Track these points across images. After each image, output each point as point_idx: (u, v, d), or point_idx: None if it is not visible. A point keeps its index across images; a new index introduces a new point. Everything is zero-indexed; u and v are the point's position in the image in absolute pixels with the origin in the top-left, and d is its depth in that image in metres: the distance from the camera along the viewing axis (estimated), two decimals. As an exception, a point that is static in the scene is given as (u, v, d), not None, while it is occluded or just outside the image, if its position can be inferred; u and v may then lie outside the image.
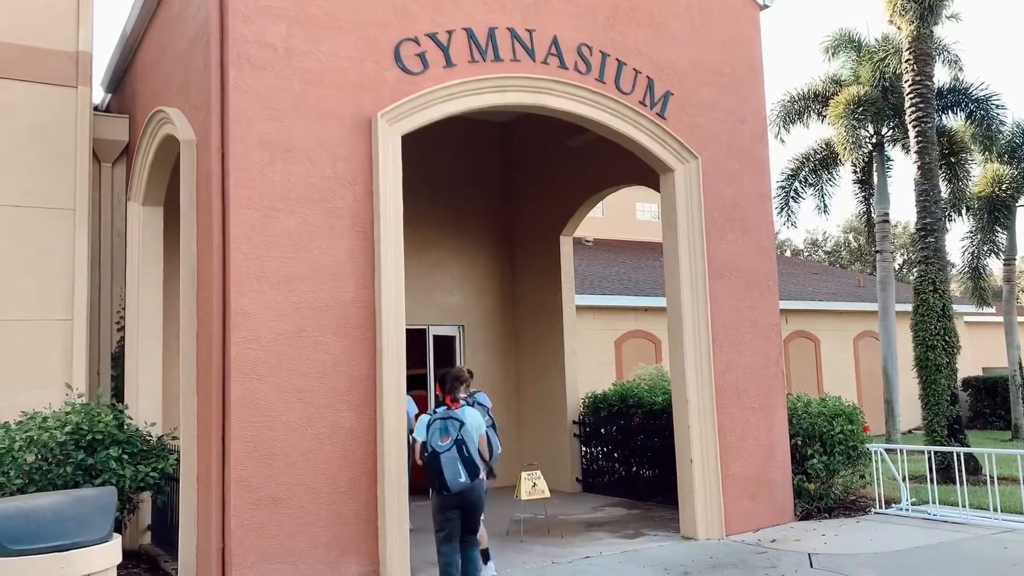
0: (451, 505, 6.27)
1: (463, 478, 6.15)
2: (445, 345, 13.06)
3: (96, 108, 11.06)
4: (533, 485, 8.94)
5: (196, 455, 6.95)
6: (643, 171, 10.05)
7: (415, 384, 13.36)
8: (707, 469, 8.71)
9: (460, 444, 6.17)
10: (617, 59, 8.72)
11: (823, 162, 18.04)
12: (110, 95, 11.68)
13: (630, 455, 11.61)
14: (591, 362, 16.91)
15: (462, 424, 6.22)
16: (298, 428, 6.62)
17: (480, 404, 7.24)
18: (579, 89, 8.38)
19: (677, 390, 8.90)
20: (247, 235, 6.62)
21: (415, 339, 12.81)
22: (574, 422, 12.20)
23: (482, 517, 6.67)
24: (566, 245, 12.65)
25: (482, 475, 6.33)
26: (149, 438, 8.22)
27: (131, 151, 10.01)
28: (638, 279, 20.54)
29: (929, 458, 9.76)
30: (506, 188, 13.51)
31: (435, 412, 6.40)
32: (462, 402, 6.56)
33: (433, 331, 12.75)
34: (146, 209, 9.51)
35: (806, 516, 9.50)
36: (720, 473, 8.75)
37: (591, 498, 11.52)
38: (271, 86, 6.86)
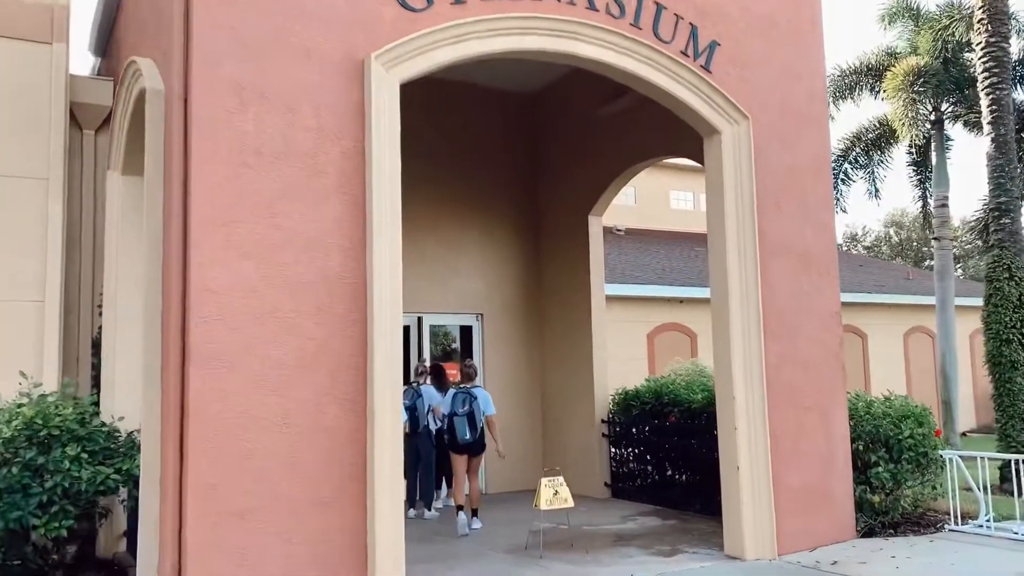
0: None
1: None
2: (462, 336, 11.96)
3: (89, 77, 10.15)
4: (555, 493, 7.81)
5: (159, 456, 5.90)
6: (682, 140, 8.89)
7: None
8: (756, 478, 7.52)
9: None
10: (655, 2, 7.52)
11: (876, 142, 16.65)
12: (99, 59, 10.74)
13: (665, 458, 10.43)
14: (621, 356, 15.70)
15: None
16: (272, 427, 5.55)
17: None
18: (611, 35, 7.20)
19: (722, 386, 7.71)
20: (212, 195, 5.56)
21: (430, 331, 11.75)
22: (603, 421, 11.05)
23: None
24: (595, 226, 11.48)
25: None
26: (117, 434, 7.24)
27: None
28: (672, 268, 19.28)
29: (1017, 468, 8.44)
30: (532, 164, 12.37)
31: None
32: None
33: (442, 321, 11.67)
34: (125, 179, 8.50)
35: (869, 532, 8.27)
36: (772, 483, 7.55)
37: (621, 505, 10.35)
38: (244, 20, 5.78)
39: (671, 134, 9.31)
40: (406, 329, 11.33)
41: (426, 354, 11.46)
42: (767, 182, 7.97)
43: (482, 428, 9.07)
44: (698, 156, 8.32)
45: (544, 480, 7.85)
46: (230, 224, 5.56)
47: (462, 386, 9.25)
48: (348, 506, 5.73)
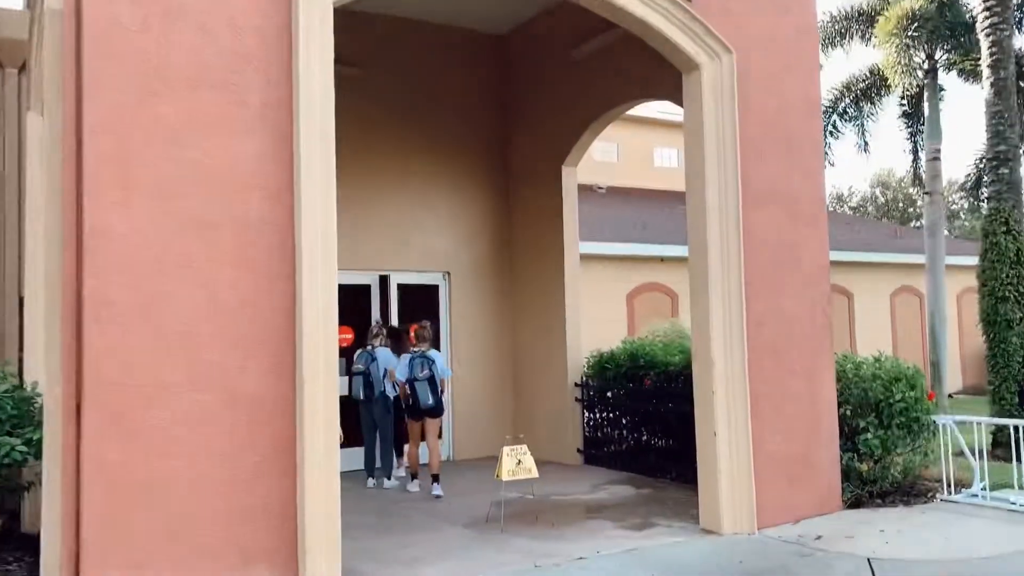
0: None
1: None
2: (426, 296, 11.27)
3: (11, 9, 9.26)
4: (518, 463, 7.19)
5: (60, 426, 5.20)
6: (662, 81, 8.16)
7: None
8: (735, 445, 6.92)
9: None
10: (629, -81, 6.73)
11: (866, 92, 15.92)
12: (28, -7, 9.82)
13: (640, 423, 9.84)
14: (600, 317, 15.06)
15: None
16: (182, 392, 4.86)
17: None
18: (579, -46, 6.43)
19: (700, 347, 7.07)
20: (109, 125, 4.79)
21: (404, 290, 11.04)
22: (576, 384, 10.43)
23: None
24: (569, 178, 10.75)
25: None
26: (35, 402, 6.54)
27: (32, 50, 8.16)
28: (655, 226, 18.58)
29: (1016, 435, 7.87)
30: (502, 110, 11.58)
31: None
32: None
33: (405, 280, 10.95)
34: (44, 119, 7.67)
35: (856, 503, 7.71)
36: (752, 450, 6.95)
37: (594, 472, 9.78)
38: (146, -78, 4.97)
39: (650, 75, 8.57)
40: (366, 289, 10.62)
41: (394, 315, 10.77)
42: (752, 124, 7.25)
43: (441, 392, 8.83)
44: (680, 98, 7.59)
45: (506, 449, 7.22)
46: (131, 159, 4.81)
47: (416, 349, 8.85)
48: (274, 483, 5.07)
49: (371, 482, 9.24)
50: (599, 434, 10.39)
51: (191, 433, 4.86)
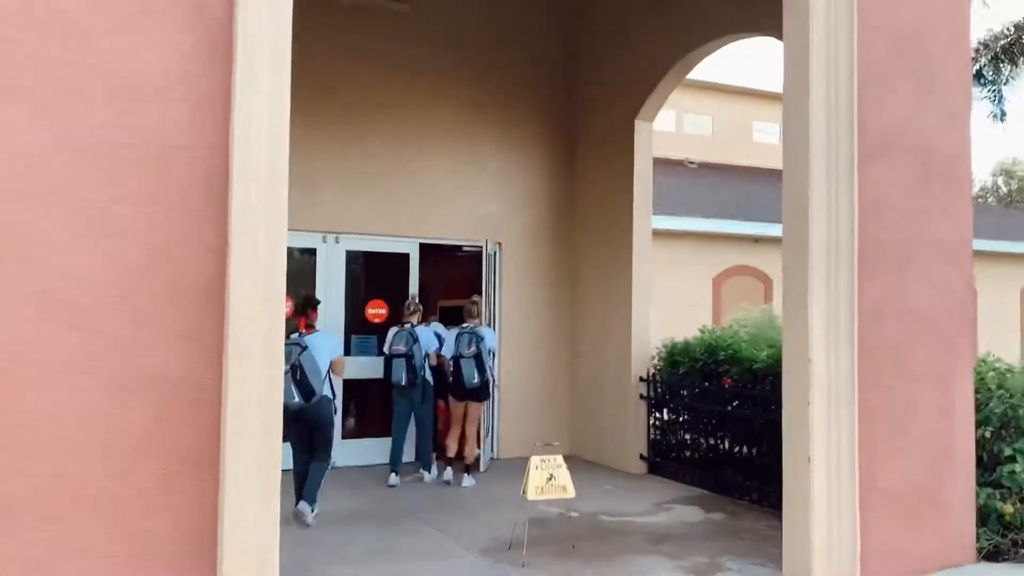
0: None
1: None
2: (473, 268, 9.85)
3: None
4: (549, 478, 5.68)
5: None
6: (757, 11, 6.45)
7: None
8: (836, 474, 5.21)
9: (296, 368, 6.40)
10: None
11: (1008, 51, 13.53)
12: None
13: (716, 429, 8.17)
14: (681, 302, 13.38)
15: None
16: (63, 375, 3.55)
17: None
18: None
19: (793, 343, 5.37)
20: (-29, 8, 3.50)
21: (436, 256, 9.64)
22: (642, 379, 8.82)
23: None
24: (643, 134, 9.08)
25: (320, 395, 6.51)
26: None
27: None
28: (749, 203, 16.64)
29: None
30: (566, 55, 9.99)
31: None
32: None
33: (447, 248, 9.55)
34: None
35: (994, 554, 5.88)
36: (858, 481, 5.23)
37: (657, 485, 8.18)
38: None
39: (743, 4, 6.86)
40: (404, 259, 9.26)
41: (427, 288, 9.41)
42: (874, 47, 5.47)
43: (489, 373, 8.05)
44: (778, 32, 5.87)
45: (535, 460, 5.71)
46: (4, 54, 3.50)
47: (465, 325, 8.10)
48: (187, 500, 3.72)
49: (393, 478, 7.96)
50: (667, 439, 8.76)
51: (76, 430, 3.55)
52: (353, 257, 9.14)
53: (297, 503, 6.42)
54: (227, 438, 3.73)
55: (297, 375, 6.34)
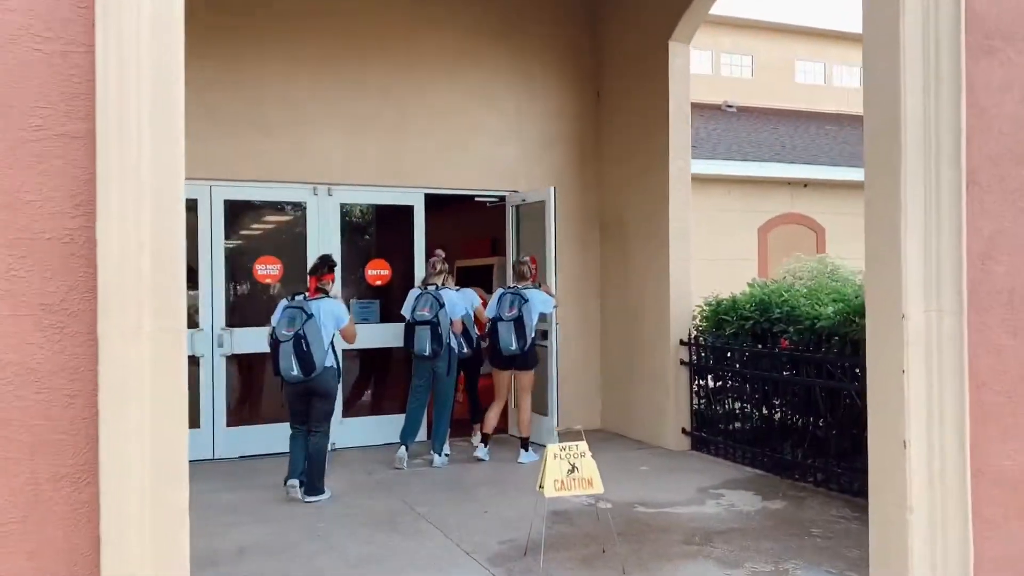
0: None
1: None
2: (488, 221, 8.74)
3: None
4: (570, 470, 4.58)
5: None
6: None
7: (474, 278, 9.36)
8: (941, 461, 4.02)
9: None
10: None
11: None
12: None
13: (770, 398, 7.01)
14: (724, 255, 12.15)
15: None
16: None
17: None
18: None
19: (878, 294, 4.17)
20: None
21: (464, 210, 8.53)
22: (683, 342, 7.67)
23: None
24: (679, 58, 7.82)
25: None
26: None
27: None
28: (795, 146, 15.23)
29: None
30: (589, -24, 8.73)
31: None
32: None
33: (457, 198, 8.41)
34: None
35: None
36: (969, 470, 4.05)
37: (702, 465, 7.08)
38: None
39: None
40: (407, 211, 8.16)
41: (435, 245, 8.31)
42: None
43: (533, 339, 7.14)
44: None
45: (552, 449, 4.60)
46: None
47: (512, 286, 7.26)
48: (51, 531, 2.69)
49: (402, 452, 7.04)
50: (712, 409, 7.62)
51: None
52: (349, 211, 8.06)
53: (288, 478, 6.01)
54: (104, 442, 2.68)
55: (302, 346, 5.74)
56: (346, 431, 7.70)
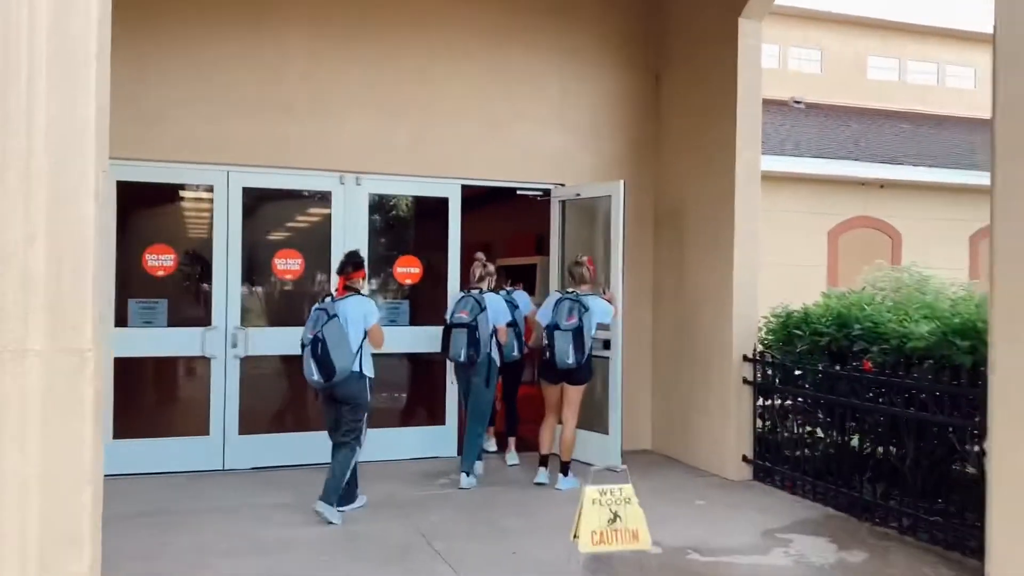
0: None
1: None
2: (528, 216, 7.96)
3: None
4: (612, 519, 3.77)
5: None
6: None
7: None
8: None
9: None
10: None
11: None
12: None
13: (847, 426, 6.09)
14: (789, 261, 11.18)
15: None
16: None
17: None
18: None
19: (1007, 310, 3.29)
20: None
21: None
22: (747, 358, 6.78)
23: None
24: (750, 37, 6.93)
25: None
26: None
27: None
28: (869, 145, 14.10)
29: None
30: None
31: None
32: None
33: (494, 190, 7.65)
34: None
35: None
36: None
37: (767, 499, 6.20)
38: None
39: None
40: (442, 204, 7.44)
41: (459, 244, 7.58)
42: None
43: (591, 353, 6.31)
44: None
45: (590, 492, 3.80)
46: None
47: (570, 291, 6.41)
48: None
49: (466, 480, 6.43)
50: (779, 435, 6.72)
51: None
52: (377, 202, 7.36)
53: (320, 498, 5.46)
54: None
55: (318, 349, 5.26)
56: (369, 443, 6.98)
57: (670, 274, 7.67)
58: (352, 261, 5.67)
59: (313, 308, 5.53)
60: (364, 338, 5.52)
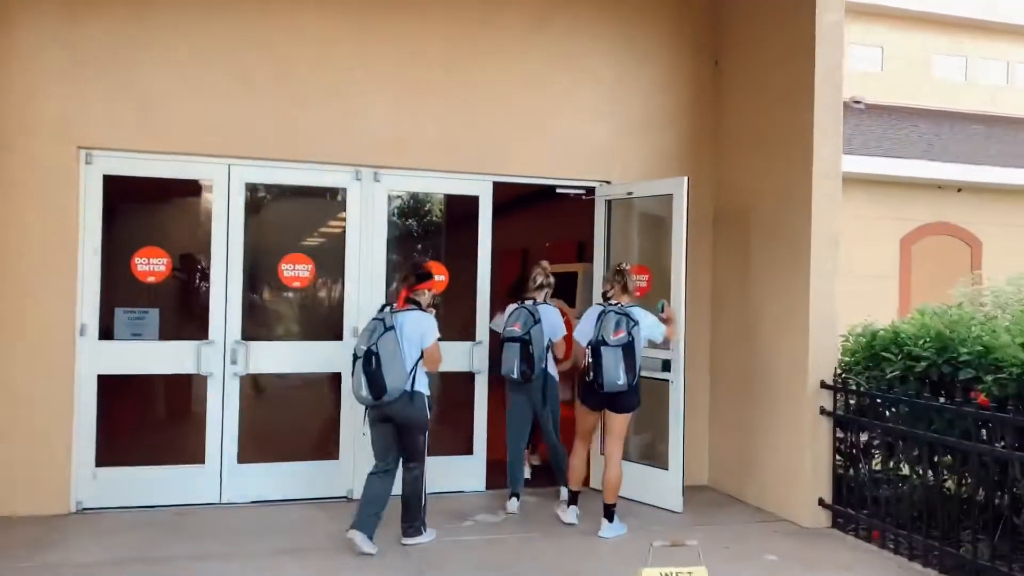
0: None
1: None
2: (571, 217, 7.07)
3: None
4: (679, 613, 2.84)
5: None
6: None
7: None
8: None
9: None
10: None
11: None
12: None
13: (951, 470, 5.05)
14: (858, 271, 10.10)
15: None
16: None
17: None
18: None
19: None
20: None
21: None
22: (825, 385, 5.78)
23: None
24: (830, 13, 5.96)
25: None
26: None
27: None
28: (944, 145, 12.94)
29: None
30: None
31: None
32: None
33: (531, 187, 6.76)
34: None
35: None
36: None
37: (849, 554, 5.21)
38: None
39: None
40: (472, 203, 6.58)
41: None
42: None
43: (639, 374, 5.48)
44: None
45: (650, 574, 2.87)
46: None
47: (614, 302, 5.54)
48: None
49: (513, 504, 5.91)
50: (862, 475, 5.69)
51: None
52: (398, 201, 6.53)
53: (351, 526, 4.96)
54: None
55: (371, 363, 4.79)
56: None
57: (732, 285, 6.70)
58: (416, 272, 5.27)
59: (370, 319, 5.08)
60: (420, 357, 5.02)
